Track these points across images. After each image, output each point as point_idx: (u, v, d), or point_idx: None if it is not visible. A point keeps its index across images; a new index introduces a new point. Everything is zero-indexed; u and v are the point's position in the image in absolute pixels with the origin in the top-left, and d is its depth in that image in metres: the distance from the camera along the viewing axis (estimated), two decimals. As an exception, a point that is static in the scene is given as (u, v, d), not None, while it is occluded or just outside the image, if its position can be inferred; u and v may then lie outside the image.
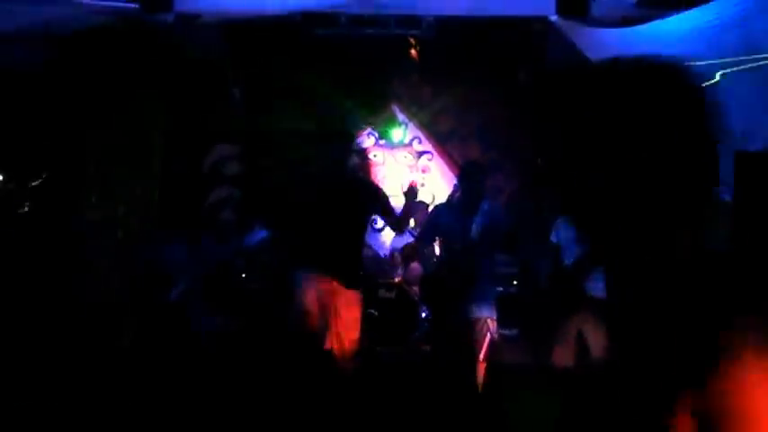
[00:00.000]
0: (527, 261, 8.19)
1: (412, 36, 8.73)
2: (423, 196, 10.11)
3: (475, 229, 6.05)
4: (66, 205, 6.85)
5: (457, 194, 6.38)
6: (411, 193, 6.07)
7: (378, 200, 5.99)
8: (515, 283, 8.32)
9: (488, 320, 5.94)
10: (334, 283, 5.71)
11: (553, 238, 6.58)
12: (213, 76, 8.88)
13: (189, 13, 6.49)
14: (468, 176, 6.21)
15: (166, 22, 6.35)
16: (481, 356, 5.87)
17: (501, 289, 7.42)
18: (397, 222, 6.22)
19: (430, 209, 9.28)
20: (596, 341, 6.20)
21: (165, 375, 5.83)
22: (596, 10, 6.37)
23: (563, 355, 6.35)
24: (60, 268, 6.56)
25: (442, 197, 9.87)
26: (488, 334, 5.91)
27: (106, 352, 6.28)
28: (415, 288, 8.27)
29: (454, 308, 6.03)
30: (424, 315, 8.21)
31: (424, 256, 6.68)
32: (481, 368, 5.82)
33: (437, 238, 6.56)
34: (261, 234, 7.96)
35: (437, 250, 7.10)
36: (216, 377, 5.88)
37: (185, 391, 5.47)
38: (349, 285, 5.71)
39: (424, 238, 6.77)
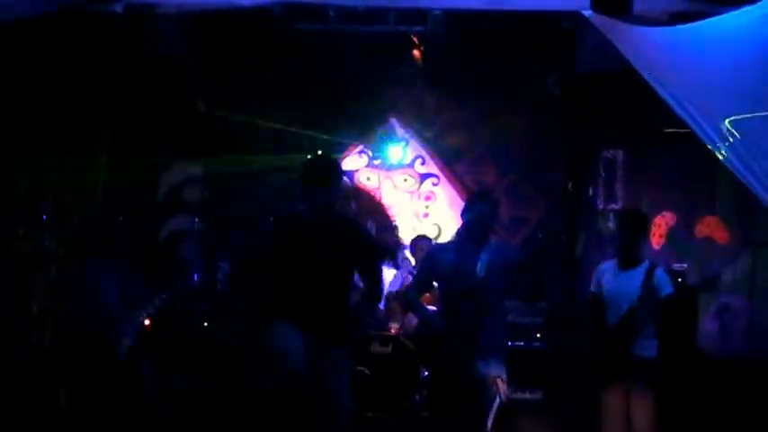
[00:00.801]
0: (555, 311, 8.17)
1: (415, 34, 8.76)
2: (425, 229, 10.12)
3: (480, 266, 6.04)
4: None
5: (459, 230, 6.39)
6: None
7: (362, 254, 5.93)
8: (538, 335, 8.28)
9: (498, 381, 5.88)
10: (317, 340, 5.68)
11: (594, 288, 6.58)
12: (172, 79, 8.87)
13: (142, 3, 6.52)
14: (470, 206, 6.25)
15: (115, 13, 6.38)
16: (489, 425, 5.80)
17: (522, 343, 7.41)
18: (371, 294, 6.15)
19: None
20: (644, 412, 6.21)
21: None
22: (639, 4, 6.42)
23: (607, 428, 6.36)
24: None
25: (449, 230, 9.87)
26: (497, 397, 5.84)
27: (42, 413, 6.33)
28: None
29: (455, 366, 6.00)
30: (426, 374, 8.17)
31: (416, 306, 6.65)
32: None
33: (434, 282, 6.54)
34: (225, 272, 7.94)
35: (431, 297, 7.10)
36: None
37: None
38: (333, 341, 5.68)
39: (417, 283, 6.74)
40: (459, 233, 6.42)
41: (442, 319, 6.18)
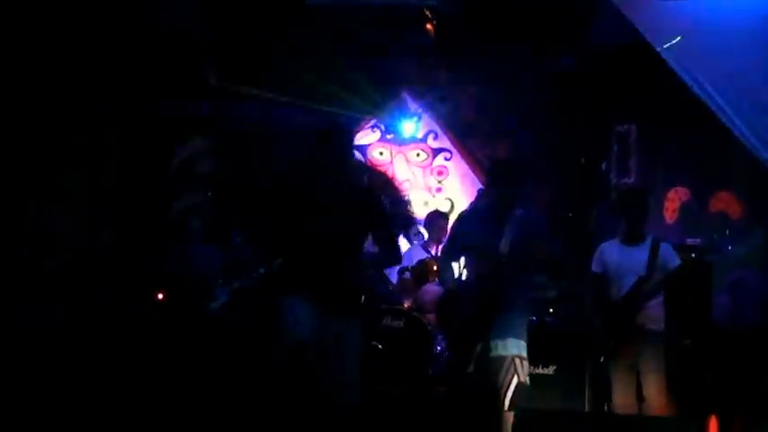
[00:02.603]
0: (568, 285, 8.18)
1: (428, 7, 8.75)
2: (438, 203, 10.13)
3: (504, 242, 5.99)
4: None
5: (483, 201, 6.33)
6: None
7: (375, 223, 5.91)
8: (551, 311, 8.29)
9: (516, 360, 5.84)
10: (329, 311, 5.68)
11: (595, 268, 6.61)
12: (182, 53, 8.88)
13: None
14: (497, 178, 6.17)
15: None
16: (506, 404, 5.80)
17: (534, 318, 7.42)
18: (391, 258, 6.10)
19: (451, 219, 9.28)
20: (654, 386, 6.25)
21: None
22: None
23: (617, 401, 6.41)
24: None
25: (461, 205, 9.88)
26: (515, 377, 5.82)
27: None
28: (429, 315, 8.26)
29: (476, 341, 5.98)
30: (439, 349, 8.20)
31: (444, 275, 6.57)
32: (508, 418, 5.76)
33: (463, 252, 6.45)
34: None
35: (456, 269, 7.06)
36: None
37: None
38: (347, 312, 5.69)
39: (449, 252, 6.64)
40: (473, 205, 6.39)
41: (466, 292, 6.15)
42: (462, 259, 6.58)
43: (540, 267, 6.19)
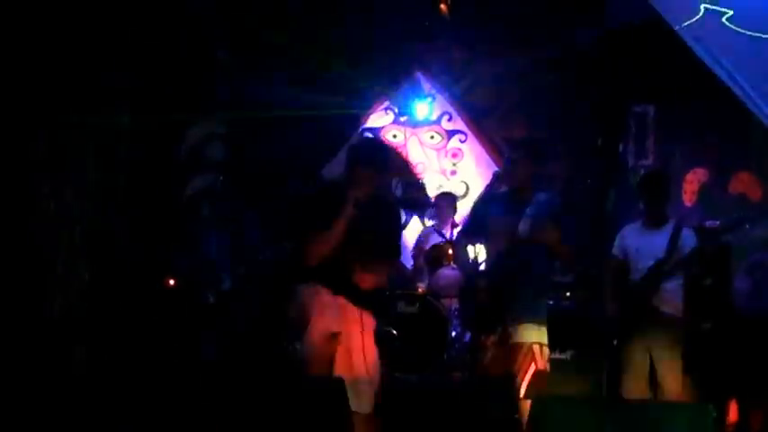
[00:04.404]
0: (585, 269, 8.14)
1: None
2: (453, 186, 10.11)
3: (523, 225, 5.96)
4: (9, 199, 6.91)
5: (501, 184, 6.26)
6: None
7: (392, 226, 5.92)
8: (568, 294, 8.27)
9: (534, 346, 5.80)
10: (341, 299, 5.67)
11: (616, 251, 6.58)
12: (192, 33, 8.85)
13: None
14: (511, 158, 6.11)
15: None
16: (522, 391, 5.76)
17: (551, 302, 7.40)
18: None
19: (466, 203, 9.24)
20: (670, 371, 6.22)
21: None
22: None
23: (630, 386, 6.40)
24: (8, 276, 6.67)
25: (477, 187, 9.84)
26: (533, 364, 5.77)
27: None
28: (444, 300, 8.25)
29: (495, 326, 5.94)
30: (454, 334, 8.19)
31: (462, 259, 6.51)
32: (525, 406, 5.72)
33: (482, 235, 6.37)
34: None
35: (472, 253, 7.01)
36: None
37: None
38: (360, 301, 5.68)
39: (470, 233, 6.54)
40: (489, 187, 6.33)
41: (484, 276, 6.09)
42: (477, 245, 6.55)
43: (558, 251, 6.09)
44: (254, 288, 7.61)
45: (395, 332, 8.01)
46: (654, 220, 6.42)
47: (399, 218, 5.95)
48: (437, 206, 9.04)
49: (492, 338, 5.96)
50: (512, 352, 5.83)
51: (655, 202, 6.42)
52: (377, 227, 5.61)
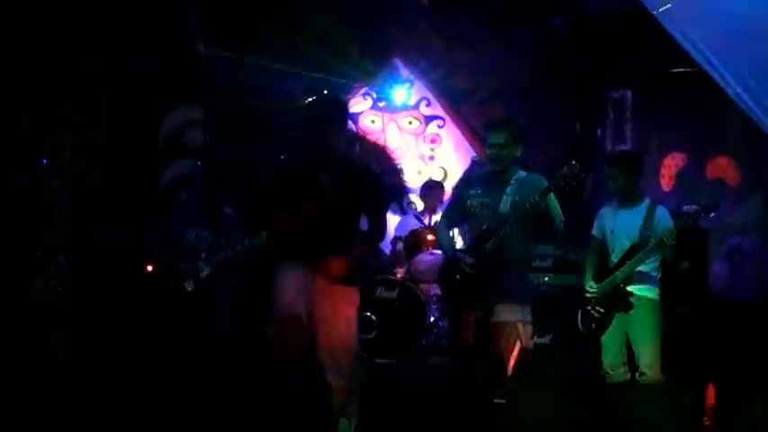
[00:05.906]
0: (564, 252, 8.19)
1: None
2: (431, 172, 10.13)
3: (503, 204, 5.97)
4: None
5: (479, 166, 6.26)
6: None
7: (370, 197, 5.86)
8: (546, 279, 8.30)
9: (518, 324, 5.81)
10: (324, 281, 5.67)
11: (595, 232, 6.62)
12: (169, 19, 8.82)
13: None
14: (489, 136, 6.06)
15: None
16: (509, 371, 5.79)
17: (538, 282, 7.45)
18: (372, 237, 6.04)
19: (448, 188, 9.26)
20: (647, 354, 6.27)
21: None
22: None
23: (608, 369, 6.43)
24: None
25: (454, 173, 9.88)
26: (518, 342, 5.79)
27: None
28: (423, 286, 8.28)
29: (477, 307, 5.95)
30: (432, 319, 8.22)
31: (443, 242, 6.47)
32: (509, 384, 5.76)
33: (463, 215, 6.35)
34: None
35: (455, 235, 7.02)
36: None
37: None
38: (344, 281, 5.67)
39: (449, 216, 6.53)
40: (468, 172, 6.33)
41: (465, 257, 6.05)
42: (457, 230, 6.57)
43: (541, 232, 6.11)
44: (233, 274, 7.60)
45: (374, 317, 8.05)
46: (626, 200, 6.45)
47: (375, 191, 5.87)
48: (428, 192, 9.06)
49: (474, 316, 5.99)
50: (496, 331, 5.86)
51: (626, 181, 6.41)
52: (349, 202, 5.61)
